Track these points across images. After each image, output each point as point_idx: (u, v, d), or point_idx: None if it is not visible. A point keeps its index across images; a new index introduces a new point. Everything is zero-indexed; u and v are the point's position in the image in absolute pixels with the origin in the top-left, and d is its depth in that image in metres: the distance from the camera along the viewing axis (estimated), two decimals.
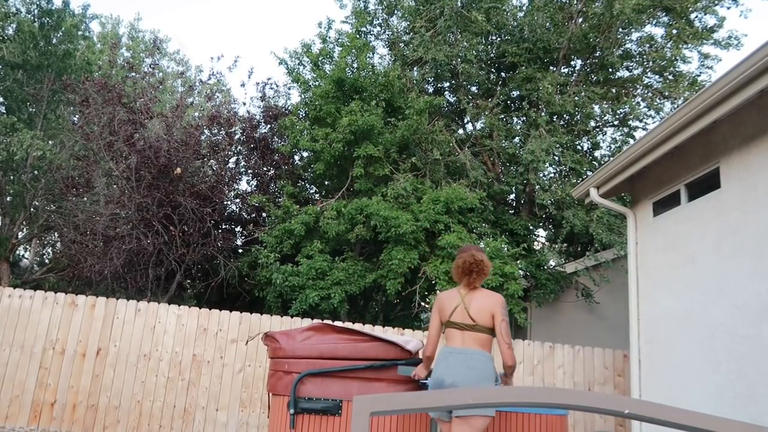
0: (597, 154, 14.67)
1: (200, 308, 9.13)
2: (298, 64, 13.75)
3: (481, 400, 1.12)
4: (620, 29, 12.88)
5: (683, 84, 13.26)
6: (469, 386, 3.98)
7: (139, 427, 8.47)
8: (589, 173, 12.73)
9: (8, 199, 14.56)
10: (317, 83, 12.90)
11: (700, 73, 13.49)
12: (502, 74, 14.48)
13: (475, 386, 3.99)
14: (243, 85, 20.09)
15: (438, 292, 10.92)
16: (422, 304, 12.29)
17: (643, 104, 13.81)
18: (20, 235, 15.02)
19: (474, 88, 14.39)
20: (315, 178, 13.80)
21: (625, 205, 9.23)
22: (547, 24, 13.16)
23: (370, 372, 4.78)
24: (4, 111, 14.57)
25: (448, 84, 14.64)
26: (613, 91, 13.75)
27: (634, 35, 13.52)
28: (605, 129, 14.71)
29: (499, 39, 14.01)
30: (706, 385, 6.34)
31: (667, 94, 13.41)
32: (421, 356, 5.38)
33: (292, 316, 10.21)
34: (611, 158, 11.91)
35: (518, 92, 13.81)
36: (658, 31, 14.29)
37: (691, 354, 6.73)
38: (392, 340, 4.90)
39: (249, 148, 13.81)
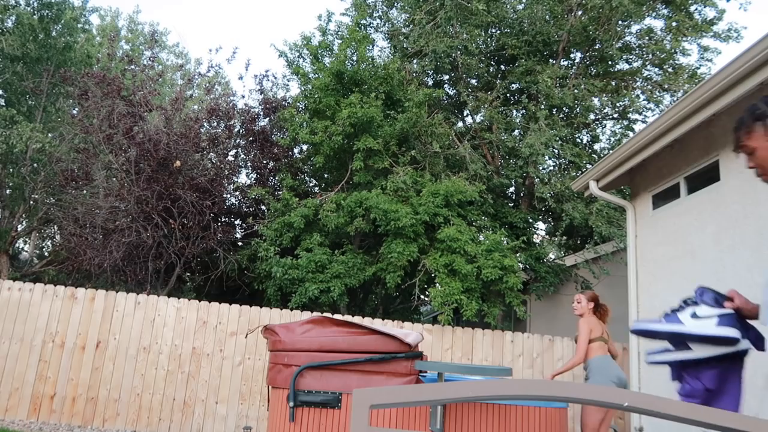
0: (596, 147, 14.67)
1: (200, 301, 9.14)
2: (298, 56, 13.73)
3: (480, 393, 1.12)
4: (620, 21, 12.85)
5: (683, 76, 13.24)
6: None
7: (139, 420, 8.49)
8: (588, 166, 12.73)
9: (8, 191, 14.55)
10: (317, 76, 12.87)
11: (700, 65, 13.48)
12: (502, 67, 14.45)
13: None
14: (241, 77, 20.12)
15: (437, 285, 10.93)
16: (422, 297, 12.30)
17: (642, 97, 13.80)
18: (20, 227, 15.01)
19: (473, 81, 14.36)
20: (314, 170, 13.78)
21: (625, 198, 9.22)
22: (547, 16, 13.13)
23: (369, 365, 4.79)
24: (4, 104, 14.54)
25: (447, 76, 14.61)
26: (613, 83, 13.73)
27: (634, 27, 13.50)
28: (605, 122, 14.71)
29: (498, 31, 13.98)
30: None
31: (666, 86, 13.39)
32: (420, 349, 5.39)
33: (291, 309, 10.22)
34: (611, 151, 11.92)
35: (518, 85, 13.78)
36: (658, 24, 14.25)
37: None
38: (391, 333, 4.90)
39: (248, 141, 13.78)
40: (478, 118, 14.15)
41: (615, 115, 14.37)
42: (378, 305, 13.35)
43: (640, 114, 13.86)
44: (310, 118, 12.50)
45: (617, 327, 11.60)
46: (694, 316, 2.29)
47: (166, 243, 11.52)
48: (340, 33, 13.50)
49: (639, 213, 8.24)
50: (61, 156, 12.80)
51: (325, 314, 7.47)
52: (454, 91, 14.59)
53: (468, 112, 14.62)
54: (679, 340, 2.30)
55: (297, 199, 11.86)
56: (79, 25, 16.22)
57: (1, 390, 8.38)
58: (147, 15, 41.31)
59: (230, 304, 9.14)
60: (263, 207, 13.27)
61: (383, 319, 10.21)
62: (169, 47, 29.22)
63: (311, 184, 14.58)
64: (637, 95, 13.76)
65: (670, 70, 13.63)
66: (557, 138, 12.16)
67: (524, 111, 13.44)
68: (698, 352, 2.31)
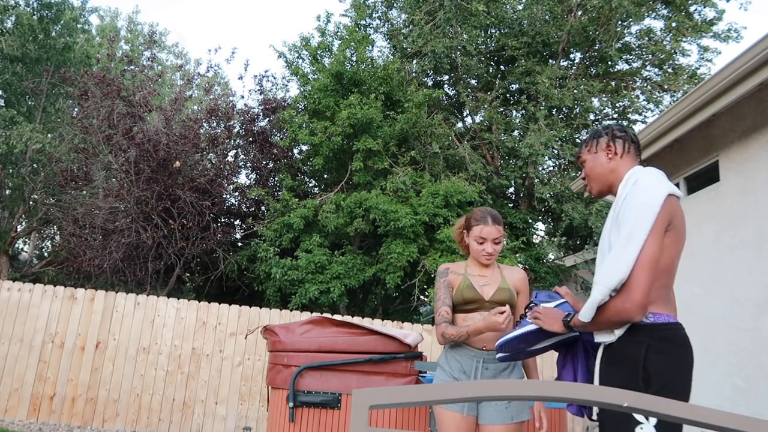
0: None
1: (199, 301, 9.14)
2: (297, 57, 13.73)
3: (480, 393, 1.12)
4: (619, 22, 12.86)
5: (683, 77, 13.26)
6: None
7: (139, 421, 8.48)
8: None
9: (7, 192, 14.55)
10: (316, 76, 12.87)
11: (700, 66, 13.50)
12: (501, 67, 14.45)
13: None
14: (241, 77, 20.02)
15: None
16: (421, 297, 12.29)
17: (642, 97, 13.80)
18: (19, 228, 15.01)
19: (473, 81, 14.36)
20: (314, 171, 13.78)
21: None
22: (546, 17, 13.13)
23: (369, 365, 4.79)
24: (3, 104, 14.54)
25: (447, 77, 14.61)
26: (613, 84, 13.73)
27: (634, 28, 13.51)
28: (604, 122, 14.69)
29: (498, 32, 13.98)
30: (706, 379, 6.36)
31: (666, 87, 13.40)
32: (420, 350, 5.39)
33: (291, 310, 10.21)
34: None
35: (517, 85, 13.78)
36: (658, 24, 14.29)
37: None
38: (391, 333, 4.91)
39: (248, 141, 13.79)
40: (478, 118, 14.15)
41: (615, 116, 14.37)
42: (378, 306, 13.34)
43: (639, 114, 13.87)
44: (309, 119, 12.50)
45: None
46: None
47: (165, 243, 11.52)
48: (339, 34, 13.50)
49: None
50: (60, 156, 12.80)
51: (325, 315, 7.47)
52: (454, 91, 14.59)
53: (467, 112, 14.62)
54: (533, 339, 2.67)
55: (296, 199, 11.86)
56: (79, 26, 16.23)
57: (1, 390, 8.38)
58: (146, 15, 41.45)
59: (230, 305, 9.14)
60: (263, 207, 13.27)
61: (383, 320, 10.20)
62: (168, 47, 29.22)
63: (311, 185, 14.57)
64: (637, 96, 13.77)
65: (669, 70, 13.64)
66: (557, 138, 12.16)
67: (524, 111, 13.44)
68: (545, 342, 2.71)
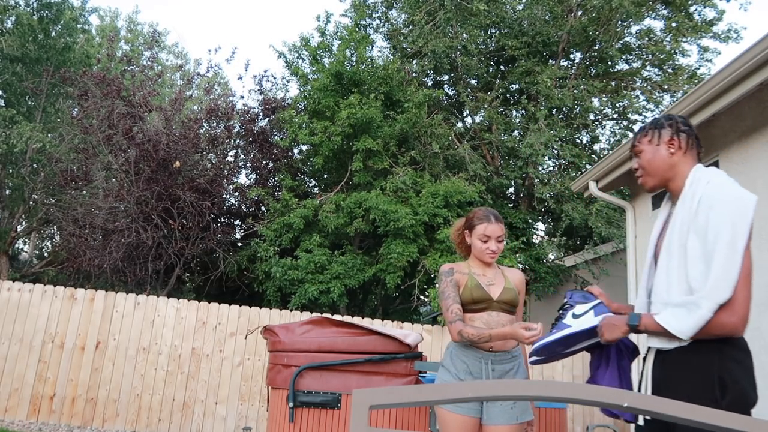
0: (596, 147, 14.65)
1: (199, 302, 9.13)
2: (297, 57, 13.72)
3: (480, 393, 1.12)
4: (619, 22, 12.86)
5: (682, 77, 13.26)
6: None
7: (139, 421, 8.48)
8: (588, 167, 12.72)
9: (7, 192, 14.54)
10: (316, 76, 12.86)
11: (700, 66, 13.50)
12: (501, 67, 14.45)
13: None
14: (240, 78, 20.07)
15: (437, 285, 10.93)
16: (421, 297, 12.29)
17: (642, 97, 13.80)
18: (19, 228, 15.01)
19: (473, 81, 14.36)
20: (314, 171, 13.77)
21: (624, 198, 9.20)
22: (546, 17, 13.13)
23: (369, 365, 4.79)
24: (3, 104, 14.53)
25: (447, 77, 14.61)
26: (612, 84, 13.73)
27: (634, 28, 13.51)
28: (604, 122, 14.70)
29: (498, 32, 13.98)
30: None
31: (666, 87, 13.40)
32: (420, 350, 5.38)
33: (291, 310, 10.21)
34: (610, 152, 11.90)
35: (517, 85, 13.77)
36: (658, 24, 14.29)
37: None
38: (391, 333, 4.90)
39: (248, 141, 13.78)
40: (478, 118, 14.14)
41: (614, 116, 14.38)
42: (378, 306, 13.34)
43: (639, 114, 13.87)
44: (309, 119, 12.50)
45: None
46: (575, 316, 2.62)
47: (165, 243, 11.51)
48: (339, 34, 13.49)
49: (639, 214, 8.23)
50: (60, 156, 12.80)
51: (325, 315, 7.47)
52: (454, 91, 14.58)
53: (467, 112, 14.61)
54: (572, 341, 2.61)
55: (296, 199, 11.86)
56: (79, 26, 16.22)
57: (1, 390, 8.38)
58: (146, 15, 41.52)
59: (230, 305, 9.14)
60: (263, 207, 13.27)
61: (383, 320, 10.20)
62: (168, 47, 29.21)
63: (311, 185, 14.57)
64: (637, 96, 13.77)
65: (669, 70, 13.64)
66: (557, 138, 12.15)
67: (524, 111, 13.44)
68: (583, 344, 2.65)
